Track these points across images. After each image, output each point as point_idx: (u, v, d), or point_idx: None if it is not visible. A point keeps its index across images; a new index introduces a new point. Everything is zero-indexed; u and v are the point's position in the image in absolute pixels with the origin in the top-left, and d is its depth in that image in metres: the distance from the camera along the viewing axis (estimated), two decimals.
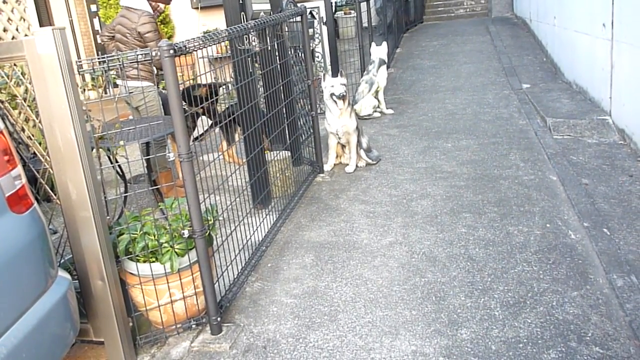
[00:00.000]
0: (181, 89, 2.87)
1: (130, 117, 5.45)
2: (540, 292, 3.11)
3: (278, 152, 4.87)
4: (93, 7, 12.03)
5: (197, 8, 10.09)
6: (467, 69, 9.17)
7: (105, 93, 3.16)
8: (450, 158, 5.37)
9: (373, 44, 7.56)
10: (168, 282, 2.93)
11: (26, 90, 3.25)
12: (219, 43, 3.32)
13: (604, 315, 2.87)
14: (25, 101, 3.16)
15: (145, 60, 2.89)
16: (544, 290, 3.12)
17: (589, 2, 6.38)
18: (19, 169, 2.25)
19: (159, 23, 9.71)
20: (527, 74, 8.26)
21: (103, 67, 2.77)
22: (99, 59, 2.76)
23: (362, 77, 7.62)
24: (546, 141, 5.54)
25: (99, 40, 12.31)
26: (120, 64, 2.77)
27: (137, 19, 4.97)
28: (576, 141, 5.49)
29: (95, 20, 12.15)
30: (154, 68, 5.17)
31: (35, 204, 2.34)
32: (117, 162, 4.28)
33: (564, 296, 3.05)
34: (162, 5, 5.21)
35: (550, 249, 3.55)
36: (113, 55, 2.80)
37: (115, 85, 5.08)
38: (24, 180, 2.28)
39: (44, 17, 11.47)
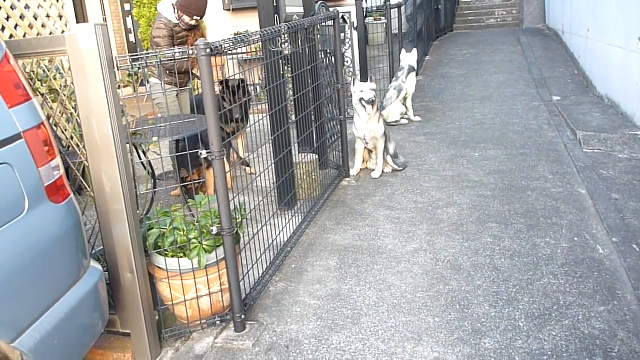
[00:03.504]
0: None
1: (160, 115, 5.52)
2: (566, 305, 3.08)
3: (305, 154, 4.90)
4: (127, 6, 12.24)
5: (229, 10, 10.20)
6: (496, 79, 9.12)
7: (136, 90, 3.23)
8: (478, 167, 5.35)
9: (403, 50, 7.55)
10: (195, 278, 2.97)
11: (65, 85, 3.33)
12: (253, 44, 3.36)
13: (631, 332, 2.83)
14: (64, 95, 3.23)
15: (167, 61, 2.91)
16: (570, 304, 3.09)
17: (625, 16, 6.30)
18: (57, 160, 2.31)
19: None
20: (558, 86, 8.18)
21: (140, 64, 2.83)
22: (135, 55, 2.82)
23: (390, 83, 7.63)
24: (576, 154, 5.48)
25: (131, 39, 12.52)
26: (157, 61, 2.82)
27: (155, 23, 5.15)
28: (607, 155, 5.42)
29: (129, 19, 12.36)
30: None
31: (72, 195, 2.40)
32: (147, 158, 4.35)
33: (590, 311, 3.02)
34: (186, 18, 5.09)
35: (578, 263, 3.51)
36: (149, 53, 2.86)
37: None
38: (62, 171, 2.34)
39: (79, 15, 11.71)
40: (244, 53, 3.15)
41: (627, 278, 3.31)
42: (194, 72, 5.36)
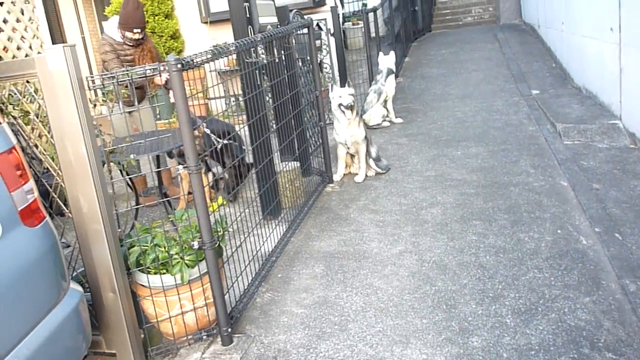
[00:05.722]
0: None
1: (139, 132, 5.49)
2: (551, 298, 3.10)
3: (287, 162, 4.90)
4: (105, 25, 12.20)
5: (207, 22, 10.19)
6: (476, 76, 9.17)
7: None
8: (460, 166, 5.37)
9: (380, 53, 7.58)
10: (179, 294, 2.95)
11: (39, 107, 3.30)
12: (226, 56, 3.36)
13: (616, 321, 2.84)
14: (37, 117, 3.21)
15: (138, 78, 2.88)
16: (556, 297, 3.10)
17: (596, 7, 6.37)
18: (31, 183, 2.29)
19: (168, 38, 9.66)
20: (537, 80, 8.24)
21: (112, 83, 2.81)
22: (107, 75, 2.80)
23: (370, 87, 7.65)
24: (556, 147, 5.52)
25: None
26: (129, 79, 2.80)
27: (100, 42, 5.30)
28: (587, 146, 5.47)
29: None
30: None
31: (48, 218, 2.38)
32: (127, 175, 4.32)
33: (575, 302, 3.03)
34: (128, 33, 5.04)
35: (562, 255, 3.53)
36: (123, 71, 2.85)
37: None
38: (36, 194, 2.32)
39: (57, 35, 11.64)
40: (217, 59, 3.11)
41: (611, 267, 3.33)
42: (151, 86, 5.36)
